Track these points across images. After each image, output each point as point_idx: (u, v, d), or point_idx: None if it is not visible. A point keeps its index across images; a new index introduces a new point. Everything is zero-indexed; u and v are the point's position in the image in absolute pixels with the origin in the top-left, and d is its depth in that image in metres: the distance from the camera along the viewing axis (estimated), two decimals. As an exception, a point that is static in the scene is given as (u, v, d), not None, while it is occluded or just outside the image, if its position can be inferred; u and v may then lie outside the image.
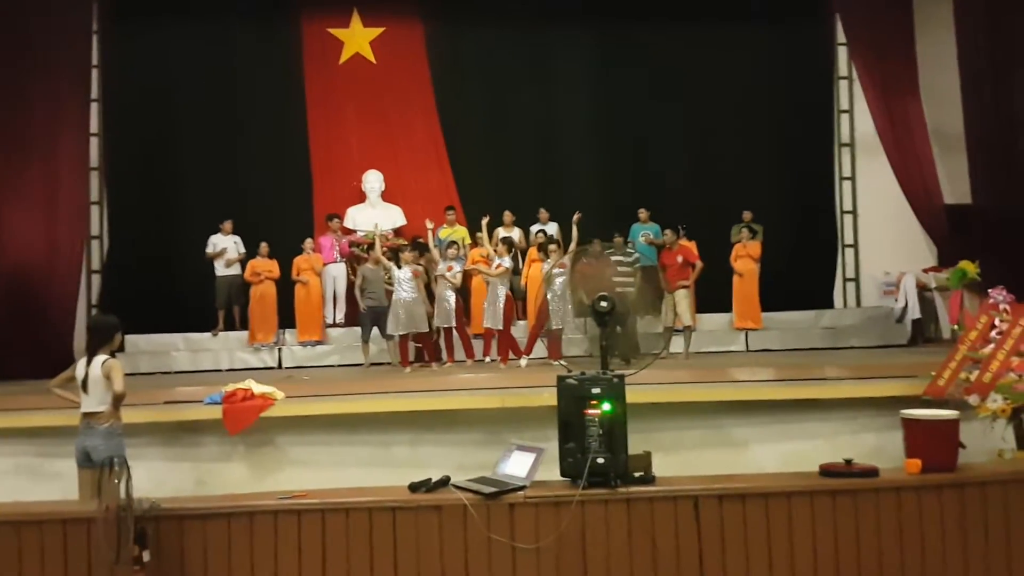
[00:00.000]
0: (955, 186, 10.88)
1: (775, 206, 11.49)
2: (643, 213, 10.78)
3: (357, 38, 11.77)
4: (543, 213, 10.71)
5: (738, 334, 10.36)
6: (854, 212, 11.89)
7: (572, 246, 9.23)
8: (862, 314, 11.15)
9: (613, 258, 8.05)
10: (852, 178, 11.92)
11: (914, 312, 10.64)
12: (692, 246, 10.44)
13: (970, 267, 9.55)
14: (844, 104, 11.97)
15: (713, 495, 4.27)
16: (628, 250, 9.68)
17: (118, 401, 5.06)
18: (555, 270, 8.87)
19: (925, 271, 10.93)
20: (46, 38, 9.94)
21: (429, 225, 9.80)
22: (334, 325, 10.53)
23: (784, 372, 7.52)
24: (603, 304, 4.52)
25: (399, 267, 8.94)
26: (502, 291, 9.05)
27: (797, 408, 6.38)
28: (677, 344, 9.28)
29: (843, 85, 11.96)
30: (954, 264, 10.12)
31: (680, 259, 9.52)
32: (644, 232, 10.57)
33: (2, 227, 9.68)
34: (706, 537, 4.21)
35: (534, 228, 10.57)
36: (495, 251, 9.39)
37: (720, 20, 11.63)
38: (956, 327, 9.57)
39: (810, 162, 11.94)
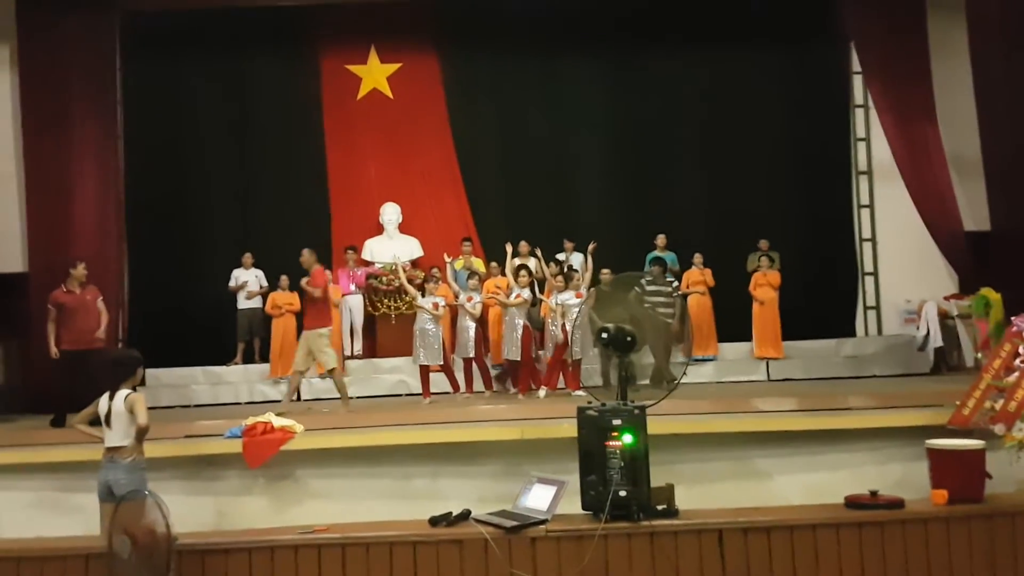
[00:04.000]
0: (975, 212, 10.80)
1: (793, 234, 11.48)
2: (661, 239, 10.79)
3: (375, 74, 11.93)
4: (568, 244, 10.68)
5: (759, 363, 10.27)
6: (873, 240, 11.83)
7: (587, 276, 9.22)
8: (884, 342, 11.03)
9: (650, 287, 7.93)
10: (870, 206, 11.87)
11: (936, 340, 10.53)
12: (708, 273, 10.41)
13: (992, 294, 9.46)
14: (860, 132, 11.93)
15: (738, 528, 4.23)
16: (667, 279, 9.56)
17: (142, 435, 5.09)
18: (572, 300, 8.86)
19: (946, 298, 10.82)
20: (75, 78, 10.18)
21: (448, 259, 9.83)
22: (352, 357, 10.54)
23: (807, 402, 7.42)
24: (604, 335, 4.52)
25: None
26: (520, 321, 9.04)
27: (821, 439, 6.29)
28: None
29: (859, 113, 11.95)
30: (975, 291, 10.05)
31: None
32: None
33: (44, 266, 9.79)
34: (731, 571, 4.17)
35: (559, 257, 10.51)
36: (516, 281, 9.35)
37: (735, 49, 11.70)
38: (980, 355, 9.50)
39: (828, 190, 11.91)
